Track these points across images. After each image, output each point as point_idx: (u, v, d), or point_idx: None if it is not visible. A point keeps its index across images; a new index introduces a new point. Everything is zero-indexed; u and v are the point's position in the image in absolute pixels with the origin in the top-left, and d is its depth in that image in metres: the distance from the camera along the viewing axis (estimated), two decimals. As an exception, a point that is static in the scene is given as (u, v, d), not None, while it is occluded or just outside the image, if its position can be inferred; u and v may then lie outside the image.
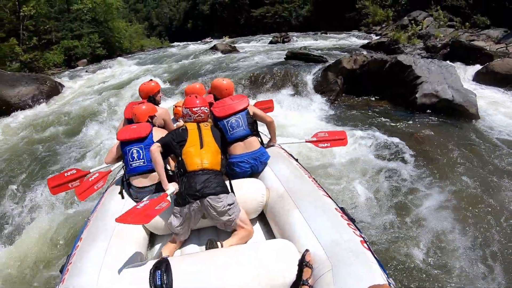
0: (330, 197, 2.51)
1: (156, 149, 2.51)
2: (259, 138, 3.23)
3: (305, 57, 9.76)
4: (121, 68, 16.89)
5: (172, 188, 2.50)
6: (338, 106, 7.10)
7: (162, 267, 1.92)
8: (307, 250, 2.00)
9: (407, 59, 7.38)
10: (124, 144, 2.95)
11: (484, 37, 10.57)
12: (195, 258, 2.13)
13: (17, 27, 22.86)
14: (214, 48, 16.67)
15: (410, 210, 3.75)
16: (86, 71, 17.83)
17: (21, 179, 5.53)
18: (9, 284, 3.28)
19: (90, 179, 3.30)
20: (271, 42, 21.53)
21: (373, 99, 7.37)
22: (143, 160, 2.87)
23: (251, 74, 8.72)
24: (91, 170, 3.50)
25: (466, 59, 9.43)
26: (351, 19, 35.66)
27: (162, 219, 2.55)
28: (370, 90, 7.44)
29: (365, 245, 1.94)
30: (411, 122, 6.10)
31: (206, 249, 2.32)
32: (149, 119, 3.14)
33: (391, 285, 1.66)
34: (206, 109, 2.83)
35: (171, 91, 9.25)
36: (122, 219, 2.09)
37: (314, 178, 2.84)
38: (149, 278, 1.88)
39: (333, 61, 8.11)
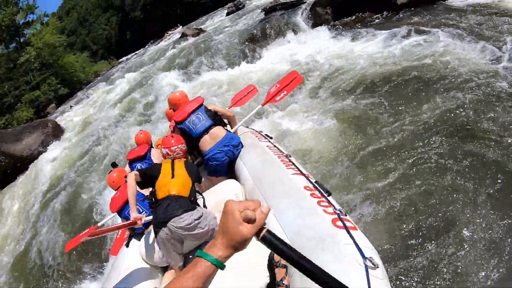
0: (302, 173, 2.31)
1: (132, 175, 2.54)
2: (223, 126, 3.20)
3: (282, 6, 10.49)
4: (98, 95, 16.94)
5: (138, 216, 2.52)
6: (337, 29, 7.96)
7: None
8: None
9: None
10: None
11: None
12: None
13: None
14: (183, 36, 16.81)
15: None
16: (70, 106, 17.63)
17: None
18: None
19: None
20: (228, 14, 21.67)
21: (363, 14, 8.21)
22: None
23: (249, 35, 9.36)
24: (98, 224, 3.80)
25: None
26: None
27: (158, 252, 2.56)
28: (357, 9, 8.33)
29: (338, 223, 1.66)
30: (395, 18, 7.30)
31: None
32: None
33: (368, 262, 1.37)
34: (184, 146, 2.86)
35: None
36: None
37: (286, 155, 2.71)
38: None
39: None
